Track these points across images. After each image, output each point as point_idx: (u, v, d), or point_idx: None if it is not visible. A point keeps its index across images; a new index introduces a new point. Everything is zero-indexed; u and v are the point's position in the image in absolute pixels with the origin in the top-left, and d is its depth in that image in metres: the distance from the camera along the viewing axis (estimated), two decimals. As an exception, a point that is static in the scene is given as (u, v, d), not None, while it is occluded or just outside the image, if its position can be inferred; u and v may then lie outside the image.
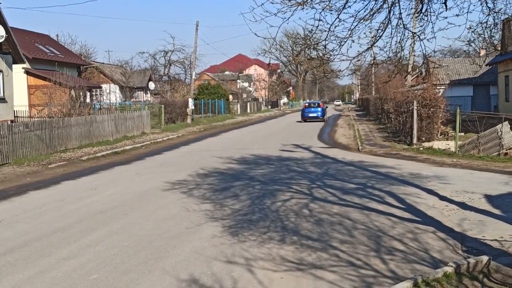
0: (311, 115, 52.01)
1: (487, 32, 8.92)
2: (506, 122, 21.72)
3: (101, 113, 33.35)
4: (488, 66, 39.81)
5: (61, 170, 19.23)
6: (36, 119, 27.87)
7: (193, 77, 53.19)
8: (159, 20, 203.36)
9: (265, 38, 9.51)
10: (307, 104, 56.59)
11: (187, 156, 23.27)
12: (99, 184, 15.98)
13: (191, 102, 47.22)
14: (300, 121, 52.05)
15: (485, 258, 7.53)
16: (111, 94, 58.49)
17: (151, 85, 68.59)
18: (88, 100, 39.95)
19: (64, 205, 12.90)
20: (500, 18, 8.88)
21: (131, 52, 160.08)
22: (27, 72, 37.48)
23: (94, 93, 50.86)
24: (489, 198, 12.66)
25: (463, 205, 11.91)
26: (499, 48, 33.50)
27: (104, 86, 56.77)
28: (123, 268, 7.96)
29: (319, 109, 52.72)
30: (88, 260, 8.37)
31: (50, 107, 30.06)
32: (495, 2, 8.39)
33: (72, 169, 19.59)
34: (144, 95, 69.74)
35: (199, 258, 8.38)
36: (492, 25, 8.79)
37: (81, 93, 33.11)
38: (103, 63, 68.73)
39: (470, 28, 8.56)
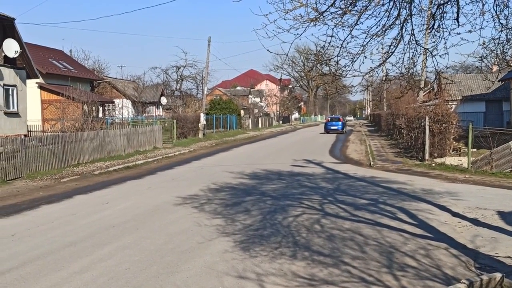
0: (333, 127, 58.36)
1: (500, 48, 8.91)
2: (519, 138, 21.59)
3: (114, 128, 33.59)
4: (500, 82, 39.69)
5: (73, 184, 19.33)
6: (49, 133, 28.08)
7: (205, 92, 53.42)
8: (172, 36, 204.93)
9: (277, 54, 9.53)
10: (329, 119, 63.29)
11: (199, 170, 23.32)
12: (111, 199, 16.04)
13: (202, 117, 47.38)
14: (323, 133, 58.90)
15: (498, 275, 7.47)
16: (124, 108, 58.87)
17: (163, 100, 68.94)
18: (100, 114, 40.26)
19: (76, 219, 12.95)
20: (512, 34, 8.87)
21: (144, 67, 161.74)
22: (41, 87, 37.86)
23: (106, 108, 51.30)
24: (502, 214, 12.57)
25: (476, 222, 11.84)
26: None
27: (116, 101, 57.19)
28: (135, 282, 7.96)
29: (340, 122, 59.28)
30: (100, 274, 8.39)
31: (63, 122, 30.32)
32: (507, 18, 8.39)
33: (84, 183, 19.68)
34: (156, 110, 70.08)
35: (211, 273, 8.37)
36: (505, 41, 8.78)
37: (93, 107, 33.39)
38: (115, 78, 69.24)
39: (484, 44, 8.56)
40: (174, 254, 9.49)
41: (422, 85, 38.53)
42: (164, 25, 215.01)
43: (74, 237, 10.98)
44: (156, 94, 69.63)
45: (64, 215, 13.54)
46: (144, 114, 63.77)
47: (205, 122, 48.15)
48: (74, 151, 24.70)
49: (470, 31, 8.46)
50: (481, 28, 8.43)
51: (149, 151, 32.29)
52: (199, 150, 35.89)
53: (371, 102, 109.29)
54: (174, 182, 19.69)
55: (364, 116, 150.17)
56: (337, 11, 7.80)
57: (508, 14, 8.37)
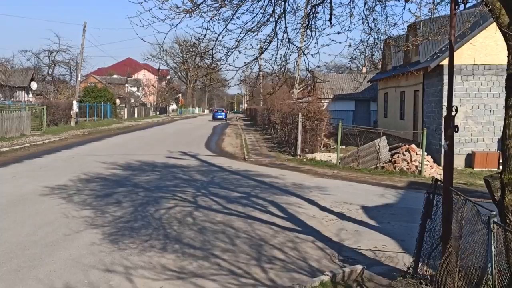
0: (218, 116, 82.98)
1: (369, 51, 9.34)
2: (384, 137, 22.83)
3: (-23, 112, 31.45)
4: (369, 82, 41.73)
5: None
6: None
7: (79, 78, 51.53)
8: (44, 18, 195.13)
9: (152, 44, 9.37)
10: (216, 110, 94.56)
11: (69, 160, 22.45)
12: (-29, 187, 15.03)
13: (75, 105, 45.66)
14: (211, 120, 78.93)
15: (359, 267, 7.85)
16: (-11, 92, 55.36)
17: (34, 85, 65.56)
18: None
19: None
20: (381, 38, 9.33)
21: (13, 49, 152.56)
22: None
23: (-31, 91, 47.96)
24: (365, 209, 13.24)
25: (341, 216, 12.37)
26: (380, 67, 35.25)
27: (-19, 83, 53.62)
28: (-7, 277, 7.52)
29: (223, 113, 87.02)
30: (-46, 268, 7.84)
31: None
32: (375, 22, 8.81)
33: None
34: (26, 95, 66.58)
35: (76, 266, 8.09)
36: (373, 44, 9.22)
37: (-45, 89, 31.08)
38: (-20, 59, 64.94)
39: (350, 45, 8.92)
40: (38, 247, 9.06)
41: (296, 83, 39.70)
42: (36, 6, 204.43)
43: None
44: (26, 79, 66.07)
45: None
46: (12, 99, 60.36)
47: (78, 110, 46.44)
48: None
49: (339, 33, 8.81)
50: (348, 30, 8.79)
51: (16, 138, 30.60)
52: (70, 138, 34.55)
53: (247, 97, 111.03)
54: (42, 171, 18.82)
55: (241, 110, 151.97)
56: (213, 4, 7.79)
57: (376, 18, 8.80)
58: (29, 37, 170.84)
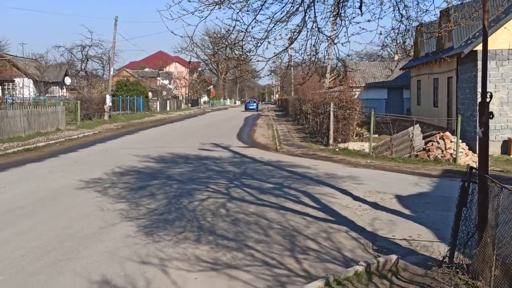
0: (250, 107, 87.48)
1: (400, 38, 9.22)
2: (417, 125, 22.57)
3: (13, 108, 32.05)
4: (402, 70, 41.25)
5: (-33, 167, 18.33)
6: None
7: (111, 73, 52.09)
8: (77, 14, 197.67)
9: (182, 37, 9.42)
10: (248, 101, 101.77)
11: (103, 153, 22.74)
12: (9, 182, 15.33)
13: (108, 99, 46.18)
14: (243, 110, 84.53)
15: (394, 257, 7.78)
16: (25, 88, 56.37)
17: (67, 80, 66.51)
18: (-1, 94, 38.31)
19: (-31, 204, 12.30)
20: (412, 24, 9.20)
21: (47, 45, 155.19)
22: None
23: (6, 87, 48.90)
24: (399, 198, 13.11)
25: (375, 205, 12.28)
26: (412, 54, 34.79)
27: (17, 80, 54.66)
28: (31, 269, 7.67)
29: (255, 104, 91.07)
30: (-6, 261, 8.02)
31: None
32: (406, 9, 8.68)
33: (-20, 166, 18.70)
34: (60, 90, 67.59)
35: (112, 258, 8.20)
36: (404, 31, 9.09)
37: (-9, 86, 31.71)
38: (16, 56, 66.05)
39: (381, 33, 8.82)
40: (75, 240, 9.21)
41: (327, 72, 39.45)
42: (68, 2, 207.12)
43: (-34, 223, 10.42)
44: (60, 74, 67.05)
45: (-43, 199, 12.82)
46: (47, 95, 61.30)
47: (111, 104, 46.95)
48: (-31, 132, 23.39)
49: (369, 21, 8.71)
50: (379, 17, 8.68)
51: (52, 133, 31.12)
52: (104, 132, 34.99)
53: (278, 87, 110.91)
54: (77, 165, 19.10)
55: (272, 101, 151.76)
56: (242, -6, 7.78)
57: (407, 5, 8.66)
58: (62, 33, 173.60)
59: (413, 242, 9.20)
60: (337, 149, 24.19)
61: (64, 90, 68.37)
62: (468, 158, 21.09)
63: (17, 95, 50.68)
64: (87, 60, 68.09)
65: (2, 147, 23.57)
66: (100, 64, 70.20)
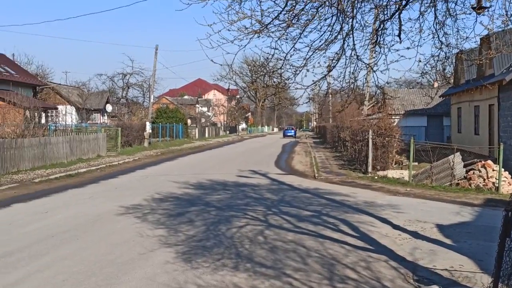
0: (288, 134, 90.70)
1: (440, 65, 9.16)
2: (458, 153, 22.22)
3: (56, 135, 32.79)
4: (441, 97, 40.83)
5: (11, 192, 18.75)
6: (-12, 139, 27.18)
7: (151, 100, 52.92)
8: (118, 43, 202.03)
9: (221, 65, 9.57)
10: (286, 128, 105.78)
11: (143, 180, 23.02)
12: (51, 207, 15.63)
13: (148, 126, 46.88)
14: (281, 137, 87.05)
15: None
16: (67, 115, 57.61)
17: (109, 108, 67.87)
18: (43, 121, 39.28)
19: (13, 228, 12.56)
20: (452, 52, 9.13)
21: (89, 74, 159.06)
22: (-20, 91, 36.66)
23: (49, 114, 50.07)
24: (440, 227, 12.88)
25: (415, 234, 12.09)
26: (452, 81, 34.41)
27: (60, 107, 55.94)
28: (72, 294, 7.77)
29: (293, 131, 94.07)
30: (36, 286, 8.15)
31: (3, 128, 29.39)
32: (446, 36, 8.63)
33: (23, 191, 19.12)
34: (101, 117, 68.92)
35: (151, 285, 8.25)
36: (444, 59, 9.03)
37: (36, 113, 32.55)
38: (59, 84, 67.72)
39: (421, 61, 8.78)
40: (115, 265, 9.31)
41: (366, 99, 39.31)
42: (110, 31, 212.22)
43: (10, 247, 10.62)
44: (102, 101, 68.47)
45: (0, 223, 13.10)
46: (89, 122, 62.56)
47: (151, 131, 47.63)
48: (14, 158, 24.00)
49: (408, 48, 8.68)
50: (418, 45, 8.65)
51: (93, 159, 31.69)
52: (144, 159, 35.46)
53: (316, 114, 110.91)
54: (117, 191, 19.37)
55: (310, 128, 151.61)
56: (281, 24, 7.87)
57: (447, 32, 8.62)
58: (105, 61, 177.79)
59: (455, 272, 9.02)
60: (376, 177, 23.96)
61: (106, 117, 69.67)
62: (511, 187, 20.62)
63: (60, 122, 51.80)
64: (128, 87, 69.55)
65: (45, 173, 24.09)
66: (141, 92, 71.63)
